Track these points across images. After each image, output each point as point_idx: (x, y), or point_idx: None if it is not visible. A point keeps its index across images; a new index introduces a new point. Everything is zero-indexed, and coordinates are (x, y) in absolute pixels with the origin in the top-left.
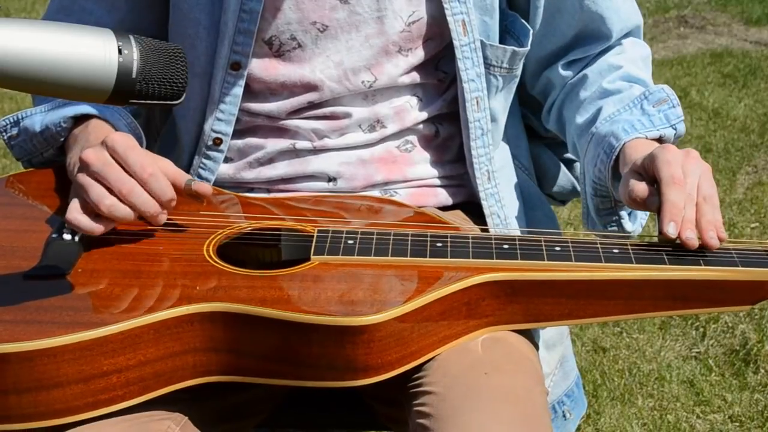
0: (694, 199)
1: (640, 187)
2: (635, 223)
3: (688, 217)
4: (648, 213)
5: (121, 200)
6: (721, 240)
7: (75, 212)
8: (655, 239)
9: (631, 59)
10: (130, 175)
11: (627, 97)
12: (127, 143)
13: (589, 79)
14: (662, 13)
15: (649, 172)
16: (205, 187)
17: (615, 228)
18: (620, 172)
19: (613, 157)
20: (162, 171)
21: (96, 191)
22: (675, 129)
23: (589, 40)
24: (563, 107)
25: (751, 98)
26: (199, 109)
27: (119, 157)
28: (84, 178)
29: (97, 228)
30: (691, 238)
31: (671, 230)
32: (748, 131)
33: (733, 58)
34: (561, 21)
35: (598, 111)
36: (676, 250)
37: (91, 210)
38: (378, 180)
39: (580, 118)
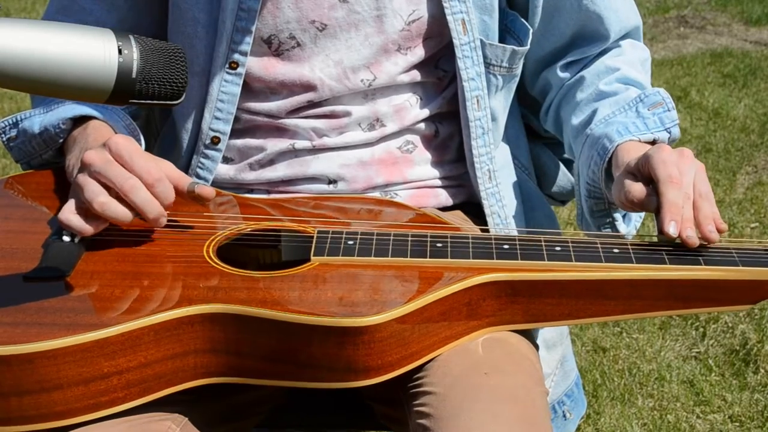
0: (691, 197)
1: (637, 188)
2: (629, 225)
3: (687, 216)
4: (642, 215)
5: (122, 198)
6: (721, 231)
7: (67, 212)
8: (655, 239)
9: (629, 62)
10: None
11: (623, 99)
12: (130, 147)
13: (586, 80)
14: (662, 13)
15: (643, 172)
16: (209, 191)
17: (609, 230)
18: (612, 174)
19: (606, 159)
20: (165, 174)
21: (90, 188)
22: (669, 132)
23: (588, 40)
24: (560, 108)
25: (751, 98)
26: (197, 107)
27: (124, 162)
28: (83, 178)
29: (87, 229)
30: (692, 237)
31: (672, 230)
32: (748, 131)
33: (733, 58)
34: (559, 20)
35: (594, 113)
36: (676, 250)
37: (85, 210)
38: (378, 182)
39: (576, 120)
